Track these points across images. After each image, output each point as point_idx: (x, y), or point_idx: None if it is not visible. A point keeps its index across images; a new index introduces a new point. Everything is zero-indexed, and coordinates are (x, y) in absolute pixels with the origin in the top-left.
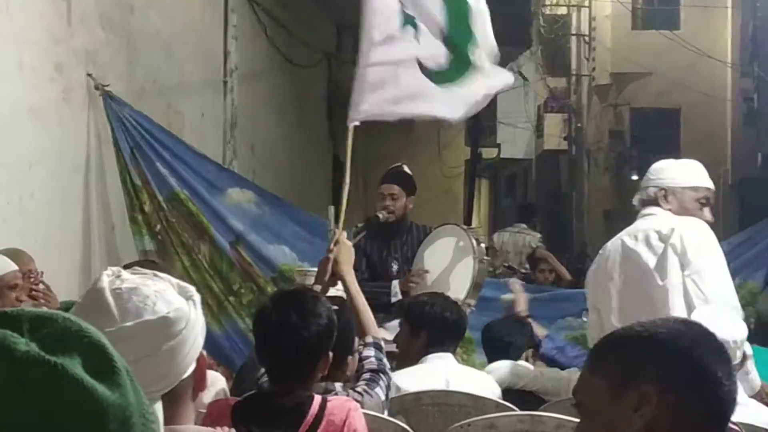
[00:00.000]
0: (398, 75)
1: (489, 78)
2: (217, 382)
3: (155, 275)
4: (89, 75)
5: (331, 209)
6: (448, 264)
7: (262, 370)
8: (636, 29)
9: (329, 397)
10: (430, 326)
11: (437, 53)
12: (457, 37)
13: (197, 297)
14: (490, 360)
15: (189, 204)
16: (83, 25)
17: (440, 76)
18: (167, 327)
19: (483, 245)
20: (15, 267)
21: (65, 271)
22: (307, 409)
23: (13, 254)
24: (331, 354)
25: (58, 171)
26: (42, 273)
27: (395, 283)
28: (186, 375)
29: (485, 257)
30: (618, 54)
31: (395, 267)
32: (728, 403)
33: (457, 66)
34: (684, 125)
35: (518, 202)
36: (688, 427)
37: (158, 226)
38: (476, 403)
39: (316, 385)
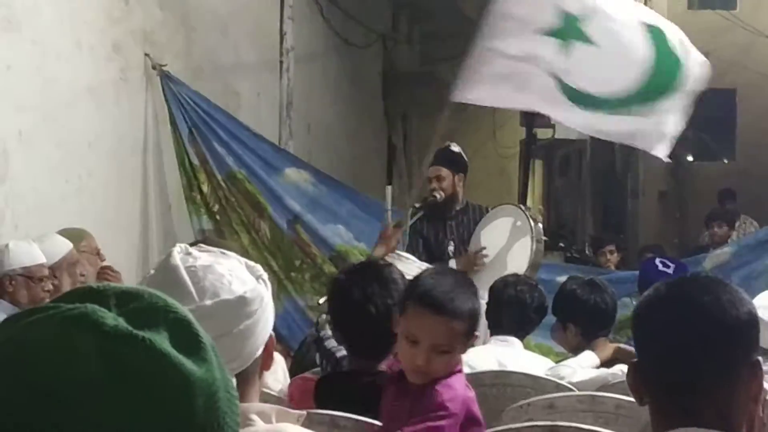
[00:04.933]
0: (524, 72)
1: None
2: (278, 361)
3: (222, 253)
4: (147, 55)
5: (388, 189)
6: (505, 244)
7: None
8: (692, 9)
9: None
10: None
11: (592, 76)
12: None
13: (265, 276)
14: (586, 332)
15: (246, 183)
16: (141, 4)
17: (580, 96)
18: (244, 306)
19: (540, 225)
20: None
21: (122, 249)
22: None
23: (79, 234)
24: None
25: (115, 151)
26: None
27: (452, 263)
28: (257, 355)
29: (543, 237)
30: None
31: (451, 247)
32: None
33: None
34: (740, 106)
35: (572, 182)
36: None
37: (216, 206)
38: (535, 384)
39: None
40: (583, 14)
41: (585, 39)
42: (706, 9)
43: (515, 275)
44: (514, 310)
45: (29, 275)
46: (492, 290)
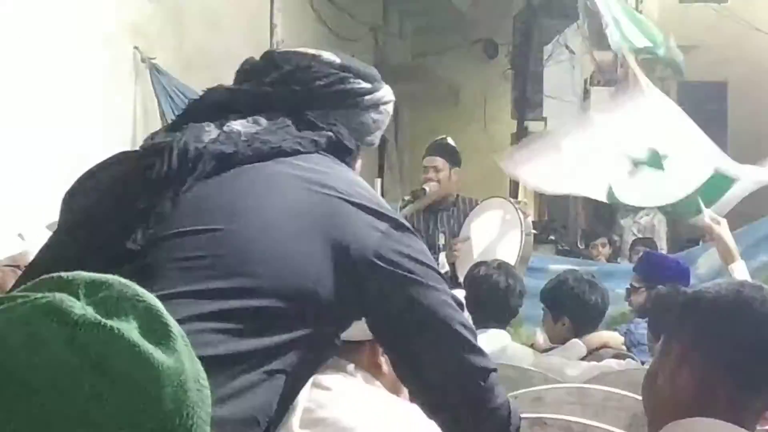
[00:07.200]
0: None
1: None
2: None
3: None
4: (136, 47)
5: (378, 182)
6: (495, 237)
7: None
8: (684, 2)
9: None
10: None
11: None
12: None
13: None
14: (578, 327)
15: None
16: None
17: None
18: None
19: (530, 219)
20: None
21: None
22: None
23: None
24: None
25: (104, 143)
26: None
27: (442, 256)
28: None
29: (532, 231)
30: (665, 27)
31: (442, 240)
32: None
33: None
34: (731, 99)
35: None
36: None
37: None
38: (522, 376)
39: None
40: None
41: None
42: (698, 2)
43: (485, 263)
44: (493, 303)
45: (15, 265)
46: (467, 284)
